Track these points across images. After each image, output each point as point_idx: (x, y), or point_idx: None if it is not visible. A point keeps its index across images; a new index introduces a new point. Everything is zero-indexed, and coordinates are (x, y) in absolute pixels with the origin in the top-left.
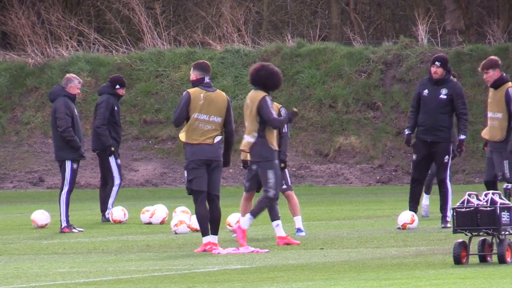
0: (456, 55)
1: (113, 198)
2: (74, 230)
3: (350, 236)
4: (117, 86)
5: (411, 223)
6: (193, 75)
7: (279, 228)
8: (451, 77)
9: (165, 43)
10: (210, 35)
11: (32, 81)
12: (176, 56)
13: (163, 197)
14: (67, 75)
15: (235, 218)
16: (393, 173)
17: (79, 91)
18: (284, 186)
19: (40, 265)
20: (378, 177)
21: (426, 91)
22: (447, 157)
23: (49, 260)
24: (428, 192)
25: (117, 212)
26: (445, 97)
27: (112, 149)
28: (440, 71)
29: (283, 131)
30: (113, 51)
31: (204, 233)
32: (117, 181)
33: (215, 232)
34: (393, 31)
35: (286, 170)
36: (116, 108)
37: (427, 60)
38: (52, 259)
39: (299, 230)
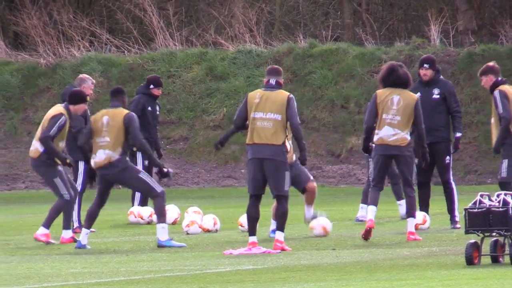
0: (468, 55)
1: (139, 199)
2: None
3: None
4: (151, 86)
5: (423, 224)
6: (264, 81)
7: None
8: (441, 76)
9: (177, 44)
10: (222, 35)
11: (44, 81)
12: (188, 57)
13: (175, 197)
14: (80, 75)
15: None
16: None
17: (92, 92)
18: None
19: (52, 265)
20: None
21: (418, 94)
22: (448, 157)
23: (61, 261)
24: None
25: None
26: (438, 96)
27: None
28: (429, 72)
29: None
30: (125, 52)
31: (250, 233)
32: None
33: (280, 228)
34: (405, 32)
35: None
36: (149, 108)
37: (440, 61)
38: (64, 259)
39: (273, 231)
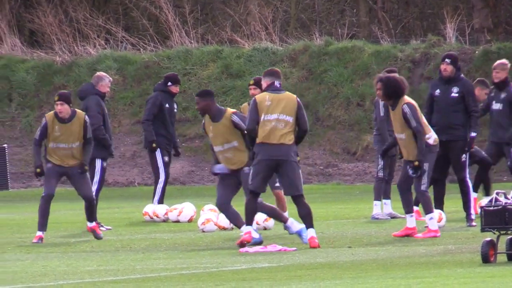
0: (484, 53)
1: (157, 196)
2: (101, 228)
3: (378, 235)
4: (169, 83)
5: (439, 222)
6: (264, 82)
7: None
8: (462, 75)
9: (193, 41)
10: (238, 33)
11: (60, 79)
12: (204, 54)
13: (191, 195)
14: (98, 73)
15: (262, 216)
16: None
17: (109, 90)
18: (277, 184)
19: (68, 263)
20: None
21: (437, 91)
22: (464, 156)
23: (77, 258)
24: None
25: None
26: (456, 95)
27: (154, 145)
28: (450, 68)
29: None
30: (141, 49)
31: (248, 223)
32: (161, 177)
33: (310, 226)
34: (421, 30)
35: None
36: (167, 105)
37: None
38: (80, 257)
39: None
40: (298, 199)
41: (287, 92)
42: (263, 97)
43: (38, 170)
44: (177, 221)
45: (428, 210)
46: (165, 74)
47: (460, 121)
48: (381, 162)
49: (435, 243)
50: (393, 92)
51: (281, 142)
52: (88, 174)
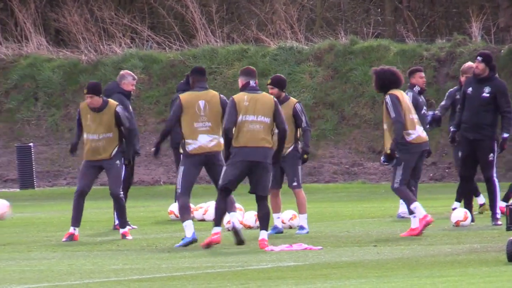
0: (509, 52)
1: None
2: (128, 227)
3: None
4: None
5: (464, 220)
6: (240, 81)
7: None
8: (495, 75)
9: (218, 40)
10: (263, 32)
11: (86, 78)
12: (229, 53)
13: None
14: (122, 71)
15: (288, 215)
16: (447, 170)
17: (134, 88)
18: (295, 183)
19: (94, 261)
20: (431, 174)
21: (470, 89)
22: (491, 155)
23: (102, 257)
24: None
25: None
26: (487, 95)
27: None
28: (481, 66)
29: (303, 125)
30: (167, 48)
31: (216, 224)
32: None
33: (265, 228)
34: (447, 29)
35: (299, 167)
36: None
37: None
38: (106, 256)
39: (301, 227)
40: (261, 200)
41: (264, 93)
42: (241, 97)
43: (72, 147)
44: (203, 220)
45: (409, 203)
46: (187, 74)
47: (489, 121)
48: None
49: (460, 241)
50: (382, 84)
51: (261, 145)
52: (118, 171)
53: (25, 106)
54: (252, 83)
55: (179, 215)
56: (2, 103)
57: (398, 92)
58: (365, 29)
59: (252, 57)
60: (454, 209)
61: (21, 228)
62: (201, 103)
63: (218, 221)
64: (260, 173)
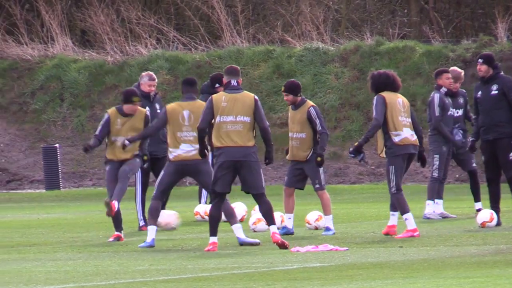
0: None
1: (204, 198)
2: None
3: (429, 234)
4: (217, 85)
5: (490, 221)
6: (223, 80)
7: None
8: (501, 73)
9: (244, 41)
10: (289, 33)
11: (111, 79)
12: (255, 54)
13: (242, 195)
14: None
15: (314, 216)
16: None
17: (152, 89)
18: (317, 186)
19: (120, 262)
20: (457, 175)
21: (479, 93)
22: (511, 154)
23: (128, 258)
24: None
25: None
26: (496, 92)
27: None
28: (484, 68)
29: (318, 128)
30: (192, 49)
31: (212, 233)
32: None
33: (272, 223)
34: (472, 29)
35: (321, 169)
36: None
37: (507, 59)
38: (132, 256)
39: (327, 229)
40: (258, 197)
41: (245, 91)
42: (219, 98)
43: (85, 146)
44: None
45: (402, 211)
46: (211, 75)
47: (504, 118)
48: (436, 162)
49: (486, 242)
50: (377, 87)
51: (240, 144)
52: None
53: (51, 107)
54: (233, 82)
55: (147, 216)
56: (28, 104)
57: (387, 94)
58: (390, 30)
59: (277, 58)
60: (478, 210)
61: (47, 229)
62: (185, 113)
63: (212, 230)
64: (246, 172)
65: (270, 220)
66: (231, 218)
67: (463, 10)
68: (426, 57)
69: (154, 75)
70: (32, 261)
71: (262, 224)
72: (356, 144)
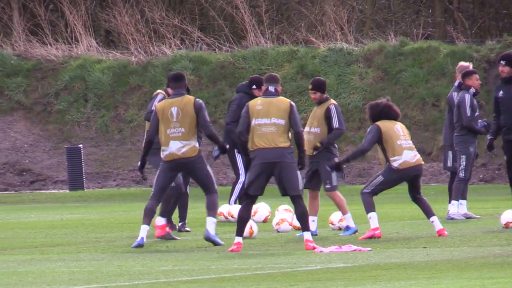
0: None
1: (235, 196)
2: (187, 229)
3: (453, 235)
4: (254, 86)
5: None
6: (262, 88)
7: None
8: None
9: (268, 42)
10: (313, 33)
11: (135, 79)
12: (279, 55)
13: (266, 195)
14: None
15: (337, 217)
16: (496, 171)
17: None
18: (328, 186)
19: (143, 263)
20: (481, 176)
21: (501, 93)
22: None
23: (152, 258)
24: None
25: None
26: None
27: (227, 146)
28: (506, 69)
29: (334, 125)
30: (216, 50)
31: (238, 233)
32: (241, 178)
33: (306, 229)
34: (497, 30)
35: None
36: None
37: None
38: (155, 257)
39: (346, 228)
40: (294, 199)
41: (281, 97)
42: (255, 102)
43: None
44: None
45: (368, 210)
46: (251, 76)
47: None
48: (463, 163)
49: (510, 243)
50: (374, 117)
51: (274, 145)
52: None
53: (75, 108)
54: (271, 89)
55: (143, 215)
56: (52, 105)
57: (382, 123)
58: (415, 30)
59: (301, 59)
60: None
61: (71, 230)
62: (174, 109)
63: (238, 230)
64: (281, 173)
65: (304, 225)
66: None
67: (488, 11)
68: (451, 57)
69: None
70: (55, 261)
71: (286, 225)
72: (337, 161)
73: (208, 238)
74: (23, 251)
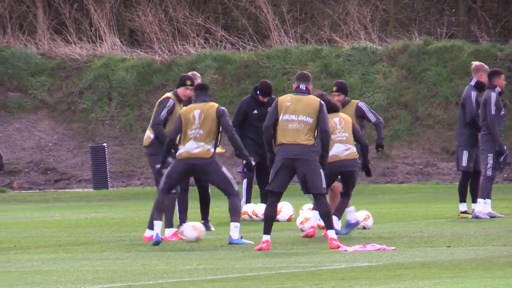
0: None
1: (243, 197)
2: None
3: (477, 234)
4: (258, 92)
5: None
6: (293, 86)
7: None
8: None
9: (292, 41)
10: (337, 32)
11: (159, 78)
12: (303, 54)
13: (290, 194)
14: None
15: (362, 215)
16: None
17: (189, 93)
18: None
19: (167, 262)
20: (505, 175)
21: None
22: None
23: (176, 257)
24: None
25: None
26: None
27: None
28: None
29: (373, 120)
30: (240, 49)
31: (265, 232)
32: (243, 180)
33: (330, 227)
34: None
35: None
36: (255, 112)
37: None
38: (179, 256)
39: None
40: (317, 198)
41: (311, 95)
42: (285, 98)
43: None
44: (276, 220)
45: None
46: (260, 81)
47: None
48: (490, 161)
49: None
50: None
51: (298, 142)
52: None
53: (99, 106)
54: (302, 86)
55: (154, 211)
56: (76, 103)
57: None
58: (438, 29)
59: (325, 58)
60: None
61: (95, 228)
62: (196, 112)
63: (266, 228)
64: (304, 170)
65: (328, 224)
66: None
67: (511, 9)
68: (474, 56)
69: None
70: (79, 260)
71: (310, 223)
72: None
73: (231, 243)
74: (48, 250)
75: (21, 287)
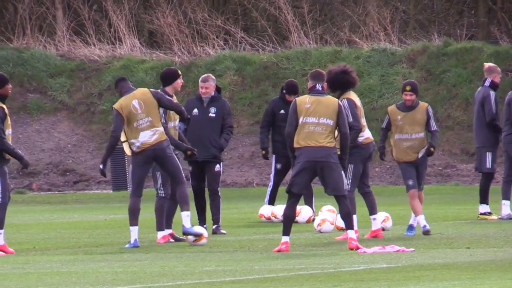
0: None
1: (266, 198)
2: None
3: (497, 236)
4: (284, 91)
5: None
6: (308, 84)
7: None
8: None
9: (311, 42)
10: (356, 34)
11: None
12: (322, 55)
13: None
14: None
15: (381, 217)
16: None
17: (206, 91)
18: (421, 186)
19: (186, 263)
20: None
21: None
22: None
23: (195, 259)
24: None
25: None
26: None
27: (263, 152)
28: None
29: (432, 128)
30: (260, 50)
31: (284, 233)
32: (270, 183)
33: (350, 227)
34: None
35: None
36: (282, 111)
37: None
38: (198, 257)
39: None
40: (339, 199)
41: (329, 96)
42: (303, 100)
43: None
44: (296, 222)
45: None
46: (287, 80)
47: None
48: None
49: None
50: (333, 84)
51: (320, 145)
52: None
53: None
54: (318, 86)
55: (128, 217)
56: (96, 105)
57: (353, 96)
58: (458, 30)
59: (345, 59)
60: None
61: (114, 230)
62: (135, 102)
63: (285, 229)
64: (326, 173)
65: (348, 224)
66: (184, 204)
67: None
68: (494, 57)
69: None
70: (99, 261)
71: (327, 225)
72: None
73: (185, 233)
74: (67, 251)
75: None
